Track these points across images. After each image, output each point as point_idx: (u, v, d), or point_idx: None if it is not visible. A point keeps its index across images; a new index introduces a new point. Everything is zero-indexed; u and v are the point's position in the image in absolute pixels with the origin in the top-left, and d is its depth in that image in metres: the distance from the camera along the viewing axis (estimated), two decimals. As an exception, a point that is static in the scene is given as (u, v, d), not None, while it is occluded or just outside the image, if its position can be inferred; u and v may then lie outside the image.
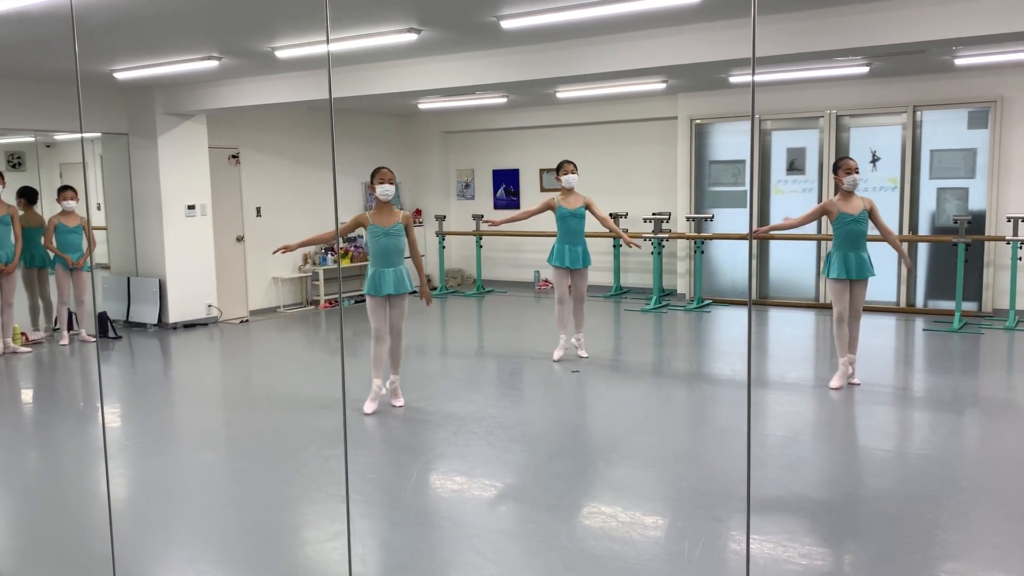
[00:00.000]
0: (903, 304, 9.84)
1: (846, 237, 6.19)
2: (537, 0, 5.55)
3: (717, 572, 3.50)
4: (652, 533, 3.92)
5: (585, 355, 7.56)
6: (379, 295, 5.75)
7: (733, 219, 10.75)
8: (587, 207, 7.34)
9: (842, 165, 6.22)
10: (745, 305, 10.50)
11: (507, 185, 12.77)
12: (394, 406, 6.00)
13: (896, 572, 3.45)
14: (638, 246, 7.52)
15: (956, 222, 8.84)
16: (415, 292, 6.26)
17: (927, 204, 9.68)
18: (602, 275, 11.74)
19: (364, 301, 11.55)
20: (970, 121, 9.43)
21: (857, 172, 6.24)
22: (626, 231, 11.15)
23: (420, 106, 11.26)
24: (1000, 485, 4.45)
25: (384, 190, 5.72)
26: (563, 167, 7.37)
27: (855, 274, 6.19)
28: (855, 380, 6.45)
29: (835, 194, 6.36)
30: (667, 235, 10.53)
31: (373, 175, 5.78)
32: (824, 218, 6.64)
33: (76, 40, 2.31)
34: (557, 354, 7.50)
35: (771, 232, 6.46)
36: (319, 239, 6.14)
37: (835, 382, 6.37)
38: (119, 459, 5.12)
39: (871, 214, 6.24)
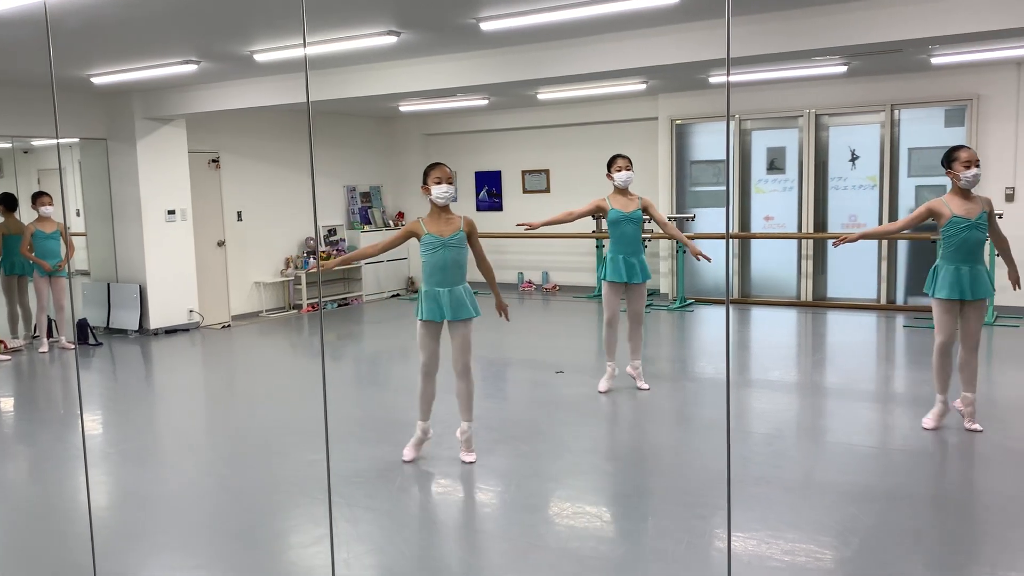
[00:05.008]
0: (883, 301, 9.92)
1: (960, 246, 4.97)
2: (516, 2, 5.56)
3: (701, 570, 3.51)
4: (637, 532, 3.93)
5: (646, 387, 6.37)
6: (434, 320, 4.72)
7: (715, 218, 10.80)
8: (645, 210, 6.22)
9: (958, 156, 4.94)
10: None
11: (489, 187, 12.77)
12: (464, 462, 4.85)
13: (877, 567, 3.48)
14: (707, 258, 6.14)
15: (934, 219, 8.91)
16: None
17: (906, 202, 9.76)
18: (586, 276, 11.77)
19: (347, 304, 11.61)
20: (947, 119, 9.53)
21: (977, 165, 4.95)
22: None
23: (401, 108, 11.25)
24: (980, 480, 4.50)
25: (441, 192, 4.69)
26: (615, 162, 6.21)
27: (970, 294, 4.99)
28: (975, 426, 5.17)
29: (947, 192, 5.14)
30: (649, 235, 10.55)
31: (427, 173, 4.74)
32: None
33: (51, 44, 2.30)
34: (604, 385, 6.34)
35: (845, 239, 5.13)
36: (365, 254, 4.94)
37: (929, 421, 5.25)
38: (101, 466, 5.08)
39: (989, 218, 5.01)
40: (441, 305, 4.66)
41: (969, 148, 4.98)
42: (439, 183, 4.65)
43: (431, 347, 4.75)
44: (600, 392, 6.32)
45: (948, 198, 5.04)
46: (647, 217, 6.30)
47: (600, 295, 11.31)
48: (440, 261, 4.66)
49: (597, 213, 6.35)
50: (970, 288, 4.98)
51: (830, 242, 5.67)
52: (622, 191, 6.22)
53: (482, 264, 4.89)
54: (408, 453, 4.91)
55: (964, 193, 4.99)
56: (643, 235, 6.32)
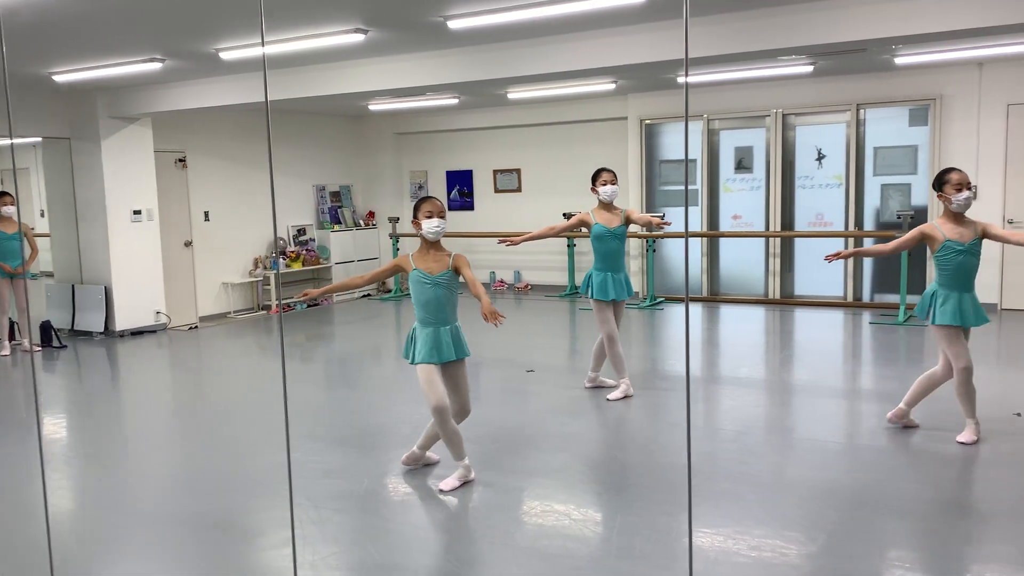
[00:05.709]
0: (850, 298, 10.03)
1: (955, 272, 4.79)
2: (483, 0, 5.55)
3: (668, 566, 3.52)
4: (604, 530, 3.93)
5: (617, 396, 6.19)
6: (437, 362, 4.44)
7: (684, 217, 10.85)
8: (628, 221, 6.14)
9: (949, 179, 4.78)
10: (696, 302, 10.62)
11: (461, 186, 12.75)
12: (432, 461, 4.91)
13: (843, 562, 3.51)
14: (667, 222, 6.20)
15: (900, 217, 9.04)
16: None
17: (871, 200, 9.88)
18: (557, 275, 11.78)
19: (316, 305, 11.50)
20: (911, 118, 9.66)
21: (969, 188, 4.79)
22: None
23: (371, 107, 11.19)
24: (944, 476, 4.55)
25: (432, 226, 4.48)
26: (600, 176, 6.10)
27: (972, 320, 4.83)
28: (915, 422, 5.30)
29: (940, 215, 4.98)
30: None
31: (417, 207, 4.53)
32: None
33: (3, 39, 2.25)
34: (616, 395, 6.20)
35: (839, 255, 4.98)
36: (349, 285, 4.73)
37: (972, 436, 4.96)
38: (63, 471, 5.00)
39: (987, 236, 4.82)
40: (443, 344, 4.44)
41: (960, 171, 4.81)
42: (430, 217, 4.45)
43: (441, 387, 4.42)
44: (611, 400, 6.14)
45: (940, 222, 4.87)
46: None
47: (571, 294, 11.36)
48: (434, 300, 4.44)
49: (580, 226, 6.20)
50: (973, 316, 4.83)
51: (823, 254, 5.35)
52: (606, 205, 6.11)
53: (475, 290, 4.42)
54: (448, 484, 4.52)
55: (956, 217, 4.82)
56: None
